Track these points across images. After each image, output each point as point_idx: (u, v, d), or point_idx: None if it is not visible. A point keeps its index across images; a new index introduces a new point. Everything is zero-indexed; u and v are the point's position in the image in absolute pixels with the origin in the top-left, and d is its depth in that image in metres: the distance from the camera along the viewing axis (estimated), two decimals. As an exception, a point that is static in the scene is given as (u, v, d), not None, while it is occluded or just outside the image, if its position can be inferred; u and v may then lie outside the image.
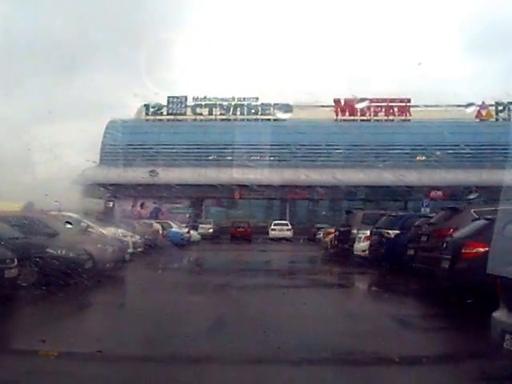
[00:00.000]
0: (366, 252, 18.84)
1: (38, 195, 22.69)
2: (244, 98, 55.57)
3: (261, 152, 49.80)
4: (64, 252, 11.68)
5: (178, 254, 24.43)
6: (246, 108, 55.53)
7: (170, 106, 55.55)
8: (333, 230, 26.21)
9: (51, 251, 11.56)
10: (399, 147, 50.43)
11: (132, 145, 49.76)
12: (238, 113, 55.43)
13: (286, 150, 50.69)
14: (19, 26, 63.79)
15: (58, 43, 68.98)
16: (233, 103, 55.60)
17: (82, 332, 7.64)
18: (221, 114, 55.34)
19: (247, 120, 54.35)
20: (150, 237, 23.56)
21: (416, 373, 5.76)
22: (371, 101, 49.95)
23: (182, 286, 13.04)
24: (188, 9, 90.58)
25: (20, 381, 5.20)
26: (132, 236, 20.17)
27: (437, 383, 5.48)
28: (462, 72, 70.62)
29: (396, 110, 54.18)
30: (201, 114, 55.27)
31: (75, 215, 18.49)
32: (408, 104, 53.45)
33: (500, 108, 52.85)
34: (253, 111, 55.22)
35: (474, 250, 9.11)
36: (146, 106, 55.36)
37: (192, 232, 34.22)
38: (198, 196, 49.07)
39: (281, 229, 42.83)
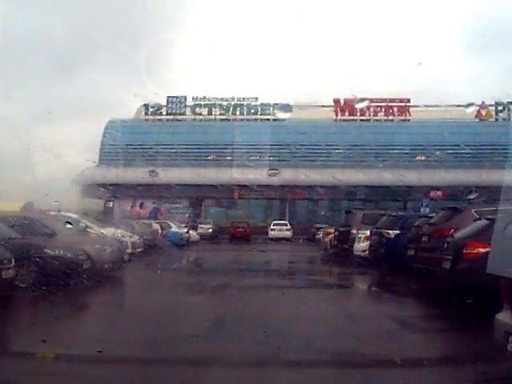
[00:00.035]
0: (366, 252, 18.78)
1: (37, 195, 22.70)
2: (243, 98, 55.50)
3: (260, 152, 49.74)
4: (62, 252, 11.59)
5: (177, 255, 24.35)
6: (245, 108, 55.45)
7: (170, 105, 55.46)
8: (332, 230, 26.12)
9: (49, 251, 11.46)
10: (399, 147, 50.39)
11: (131, 145, 49.72)
12: (238, 113, 55.35)
13: (286, 150, 50.62)
14: (19, 25, 63.78)
15: (58, 43, 69.02)
16: (232, 103, 55.54)
17: (80, 333, 7.56)
18: (220, 114, 55.27)
19: (247, 120, 54.28)
20: (149, 237, 23.46)
21: (418, 375, 5.66)
22: (371, 101, 49.89)
23: (180, 286, 12.95)
24: (187, 9, 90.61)
25: (19, 381, 5.14)
26: (131, 236, 20.08)
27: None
28: (462, 72, 70.70)
29: (396, 109, 54.11)
30: (200, 114, 55.19)
31: (74, 215, 18.46)
32: (408, 104, 53.40)
33: (500, 108, 52.79)
34: (252, 111, 55.15)
35: (476, 251, 9.02)
36: (146, 106, 55.30)
37: (191, 232, 34.14)
38: (197, 196, 48.99)
39: (280, 229, 42.74)
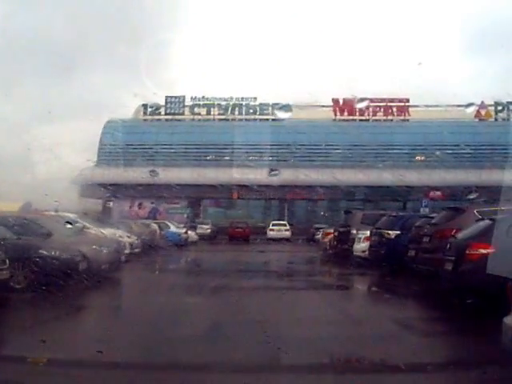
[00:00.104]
0: (366, 253, 18.60)
1: (36, 195, 22.57)
2: (242, 98, 55.40)
3: (259, 152, 49.60)
4: (57, 253, 11.40)
5: (175, 255, 24.22)
6: (244, 108, 55.34)
7: (168, 105, 55.32)
8: (332, 231, 25.94)
9: (44, 252, 11.29)
10: (398, 147, 50.30)
11: (130, 145, 49.49)
12: (237, 113, 55.22)
13: (285, 150, 50.48)
14: (18, 25, 63.57)
15: (57, 43, 68.86)
16: (231, 103, 55.42)
17: (74, 336, 7.38)
18: (219, 114, 55.14)
19: (246, 120, 54.16)
20: (147, 237, 23.35)
21: (423, 380, 5.50)
22: (370, 101, 49.77)
23: (178, 287, 12.80)
24: (186, 9, 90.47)
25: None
26: (129, 236, 19.93)
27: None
28: (462, 72, 70.40)
29: (395, 109, 54.00)
30: (199, 114, 55.05)
31: (71, 215, 18.27)
32: (407, 104, 53.32)
33: (499, 108, 52.72)
34: (251, 111, 55.04)
35: (479, 252, 8.85)
36: (144, 106, 55.20)
37: (190, 232, 33.99)
38: (196, 196, 48.85)
39: (279, 229, 42.62)
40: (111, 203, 44.92)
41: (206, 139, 51.40)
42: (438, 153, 45.38)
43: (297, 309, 9.87)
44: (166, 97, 54.52)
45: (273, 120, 51.66)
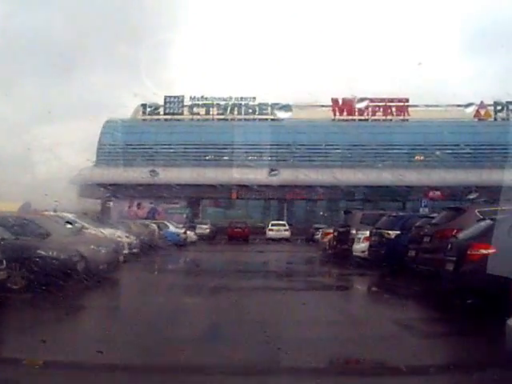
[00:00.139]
0: (366, 253, 18.50)
1: (35, 195, 22.51)
2: (242, 98, 55.27)
3: (258, 152, 49.53)
4: (55, 253, 11.31)
5: (174, 255, 24.15)
6: (243, 108, 55.25)
7: (167, 105, 55.24)
8: (331, 231, 25.86)
9: (42, 252, 11.19)
10: (398, 147, 50.24)
11: (129, 145, 49.41)
12: (236, 112, 55.14)
13: (284, 150, 50.42)
14: (18, 25, 63.55)
15: (55, 43, 68.75)
16: (230, 103, 55.31)
17: (72, 338, 7.29)
18: (218, 114, 55.05)
19: (245, 120, 54.08)
20: (145, 237, 23.28)
21: (425, 383, 5.41)
22: (369, 100, 49.74)
23: (177, 288, 12.69)
24: (185, 8, 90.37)
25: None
26: (127, 236, 19.84)
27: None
28: (461, 72, 70.40)
29: (394, 109, 53.93)
30: (198, 114, 54.96)
31: (70, 215, 18.22)
32: (406, 104, 53.25)
33: (499, 108, 52.67)
34: (250, 111, 54.96)
35: (480, 252, 8.77)
36: (143, 106, 55.10)
37: (189, 232, 33.90)
38: (195, 196, 48.78)
39: (278, 229, 42.57)
40: (110, 203, 44.85)
41: (205, 139, 51.32)
42: (437, 153, 45.32)
43: (296, 309, 9.78)
44: (165, 97, 54.44)
45: (272, 120, 51.66)
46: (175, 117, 55.10)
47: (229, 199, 50.04)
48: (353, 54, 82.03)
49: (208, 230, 40.95)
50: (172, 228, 31.69)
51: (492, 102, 51.88)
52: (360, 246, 19.10)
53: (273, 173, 47.10)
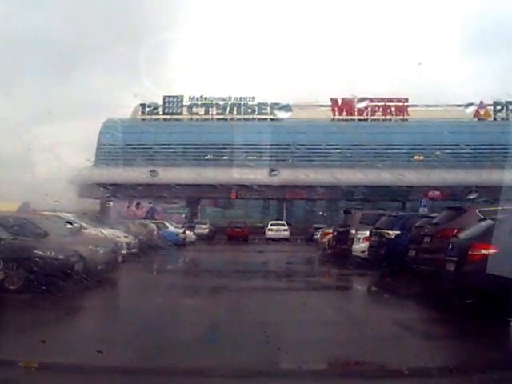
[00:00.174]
0: (366, 253, 18.44)
1: (34, 195, 22.43)
2: (241, 98, 55.19)
3: (258, 152, 49.49)
4: (53, 253, 11.20)
5: (172, 255, 24.06)
6: (242, 108, 55.17)
7: (167, 105, 55.16)
8: (331, 231, 25.81)
9: (40, 253, 11.09)
10: (397, 147, 50.20)
11: (128, 144, 49.30)
12: (235, 112, 55.06)
13: (283, 150, 50.36)
14: (18, 25, 63.48)
15: (56, 43, 68.69)
16: (229, 103, 55.23)
17: (69, 339, 7.19)
18: (217, 114, 54.97)
19: (244, 120, 54.02)
20: (144, 237, 23.18)
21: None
22: (368, 100, 49.72)
23: (176, 288, 12.62)
24: (185, 8, 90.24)
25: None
26: (126, 236, 19.75)
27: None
28: (461, 72, 70.35)
29: (393, 109, 53.88)
30: (197, 114, 54.88)
31: (68, 215, 18.13)
32: (405, 104, 53.22)
33: (498, 108, 52.66)
34: (249, 111, 54.88)
35: (482, 252, 8.69)
36: (142, 106, 55.02)
37: (188, 232, 33.82)
38: (194, 196, 48.71)
39: (278, 229, 42.53)
40: (109, 203, 44.73)
41: (204, 139, 51.29)
42: (437, 152, 45.27)
43: (296, 310, 9.70)
44: (164, 96, 54.38)
45: (271, 120, 51.61)
46: (174, 117, 55.04)
47: (228, 199, 50.01)
48: (352, 53, 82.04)
49: (207, 230, 40.88)
50: (171, 228, 31.59)
51: (492, 102, 51.87)
52: (360, 246, 19.04)
53: (273, 173, 47.05)
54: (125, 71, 74.16)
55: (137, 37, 74.50)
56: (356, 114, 53.88)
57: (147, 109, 55.26)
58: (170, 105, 55.18)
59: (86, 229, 17.29)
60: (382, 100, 52.67)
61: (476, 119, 51.06)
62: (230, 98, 55.15)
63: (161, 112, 55.45)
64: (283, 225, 43.63)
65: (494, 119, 52.20)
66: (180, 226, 34.90)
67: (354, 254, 19.40)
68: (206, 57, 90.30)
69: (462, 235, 10.15)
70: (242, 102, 55.19)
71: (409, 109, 52.96)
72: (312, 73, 75.76)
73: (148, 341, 6.96)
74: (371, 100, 50.42)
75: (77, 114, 61.31)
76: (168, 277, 15.91)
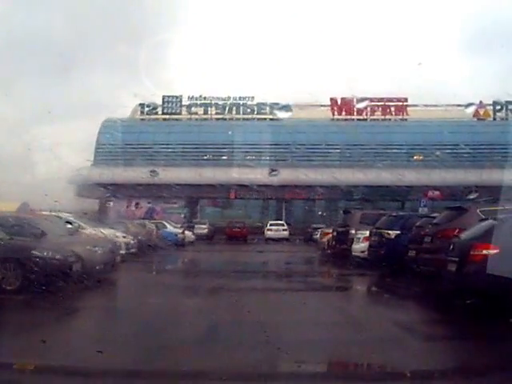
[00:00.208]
0: (365, 253, 18.37)
1: (33, 195, 22.35)
2: (240, 98, 55.05)
3: (257, 151, 49.40)
4: (50, 254, 11.07)
5: (171, 255, 23.98)
6: (241, 107, 55.04)
7: (166, 105, 55.01)
8: (330, 231, 25.76)
9: (37, 253, 10.97)
10: (397, 147, 50.12)
11: (127, 144, 49.17)
12: (234, 112, 54.94)
13: (283, 150, 50.27)
14: (18, 25, 63.38)
15: (55, 43, 68.58)
16: (228, 102, 55.10)
17: (66, 341, 7.07)
18: (216, 114, 54.84)
19: (243, 119, 53.91)
20: (143, 237, 23.11)
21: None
22: (368, 100, 49.67)
23: (174, 289, 12.54)
24: (184, 8, 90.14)
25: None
26: (124, 236, 19.67)
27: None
28: (461, 71, 70.34)
29: (393, 109, 53.78)
30: (196, 114, 54.76)
31: (67, 215, 18.05)
32: (405, 103, 53.12)
33: (498, 107, 52.58)
34: (249, 110, 54.76)
35: (484, 252, 8.59)
36: (141, 106, 54.86)
37: (187, 232, 33.73)
38: (193, 196, 48.59)
39: (277, 229, 42.46)
40: (109, 203, 44.64)
41: (203, 139, 51.19)
42: (436, 152, 45.19)
43: (295, 310, 9.60)
44: (163, 96, 54.22)
45: (270, 119, 51.52)
46: (173, 116, 54.89)
47: (227, 199, 49.91)
48: (352, 53, 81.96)
49: (206, 230, 40.81)
50: (170, 228, 31.52)
51: (491, 102, 51.78)
52: (359, 246, 18.97)
53: (273, 173, 46.96)
54: (124, 71, 74.20)
55: (136, 37, 74.36)
56: (355, 113, 53.76)
57: (146, 108, 55.13)
58: (169, 104, 55.04)
59: (84, 229, 17.21)
60: (381, 100, 52.58)
61: (475, 119, 50.98)
62: (229, 97, 55.01)
63: (160, 112, 55.30)
64: (282, 225, 43.56)
65: (494, 119, 52.12)
66: (179, 225, 34.83)
67: (353, 254, 19.34)
68: (205, 56, 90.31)
69: (464, 235, 10.05)
70: (242, 102, 55.06)
71: (408, 108, 52.86)
72: (311, 72, 75.74)
73: (146, 342, 6.86)
74: (371, 100, 50.37)
75: (76, 113, 61.35)
76: (167, 277, 15.81)
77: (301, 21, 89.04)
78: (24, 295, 10.01)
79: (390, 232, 16.59)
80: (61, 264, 11.06)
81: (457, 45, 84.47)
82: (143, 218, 37.36)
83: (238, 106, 55.05)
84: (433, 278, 11.39)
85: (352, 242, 19.75)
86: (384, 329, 8.03)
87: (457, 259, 9.42)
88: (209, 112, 54.89)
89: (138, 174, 44.12)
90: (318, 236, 30.28)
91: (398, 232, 16.27)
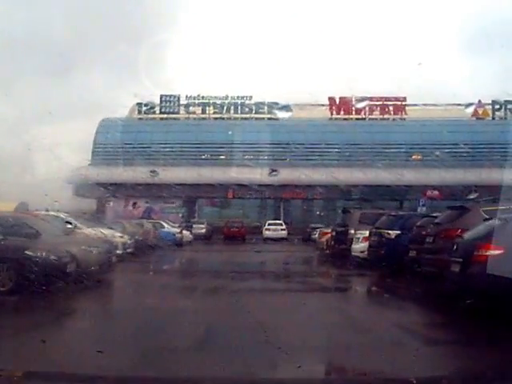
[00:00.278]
0: (365, 253, 18.19)
1: (31, 195, 22.23)
2: (238, 97, 54.85)
3: (255, 151, 49.25)
4: (44, 254, 10.87)
5: (169, 255, 23.81)
6: (239, 107, 54.85)
7: (163, 104, 54.79)
8: (329, 230, 25.63)
9: (30, 253, 10.76)
10: (396, 146, 50.01)
11: (125, 144, 48.95)
12: (232, 111, 54.74)
13: (281, 149, 50.10)
14: (17, 25, 63.19)
15: (54, 43, 68.42)
16: (226, 102, 54.91)
17: (59, 346, 6.83)
18: (214, 113, 54.67)
19: (241, 119, 53.74)
20: (140, 237, 22.92)
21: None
22: (366, 99, 49.58)
23: (171, 290, 12.34)
24: (182, 7, 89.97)
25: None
26: (121, 236, 19.45)
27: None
28: (460, 71, 70.30)
29: (391, 108, 53.64)
30: (194, 113, 54.56)
31: (62, 215, 17.89)
32: (403, 103, 52.98)
33: (497, 107, 52.50)
34: (247, 110, 54.59)
35: (488, 253, 8.37)
36: (139, 105, 54.65)
37: (185, 232, 33.56)
38: (191, 195, 48.37)
39: (275, 229, 42.32)
40: (106, 202, 44.52)
41: (201, 138, 51.08)
42: (435, 152, 45.10)
43: (294, 312, 9.39)
44: (161, 95, 54.04)
45: (269, 119, 51.37)
46: (171, 116, 54.69)
47: (225, 198, 49.75)
48: (351, 53, 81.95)
49: (204, 230, 40.64)
50: (168, 228, 31.40)
51: (490, 101, 51.69)
52: (359, 246, 18.79)
53: (273, 173, 46.81)
54: (122, 71, 74.07)
55: (135, 36, 74.35)
56: (354, 113, 53.62)
57: (144, 108, 54.92)
58: (167, 104, 54.85)
59: (80, 229, 17.01)
60: (380, 99, 52.46)
61: (474, 118, 50.90)
62: (227, 97, 54.83)
63: (157, 111, 55.10)
64: (281, 224, 43.45)
65: (493, 118, 52.05)
66: (177, 225, 34.68)
67: (353, 254, 19.18)
68: (203, 56, 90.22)
69: (467, 235, 9.83)
70: (240, 101, 54.89)
71: (407, 108, 52.77)
72: (310, 72, 75.60)
73: (140, 346, 6.67)
74: (369, 99, 50.27)
75: (74, 113, 61.13)
76: (164, 278, 15.61)
77: (300, 20, 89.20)
78: (17, 296, 9.83)
79: (390, 232, 16.43)
80: (55, 264, 10.87)
81: (456, 44, 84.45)
82: (141, 218, 37.21)
83: (236, 105, 54.88)
84: (434, 278, 11.18)
85: (351, 242, 19.58)
86: (387, 332, 7.82)
87: (460, 260, 9.20)
88: (207, 111, 54.73)
89: (135, 173, 43.93)
90: (317, 236, 30.13)
91: (399, 232, 16.10)
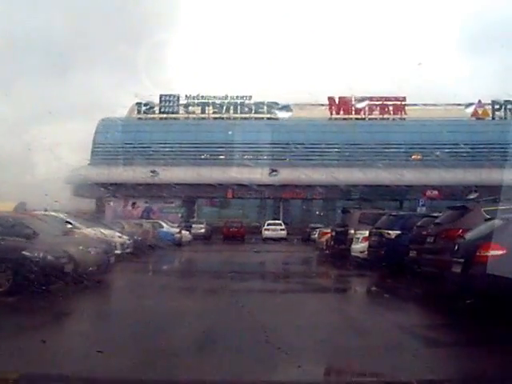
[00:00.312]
0: (365, 253, 18.08)
1: (30, 195, 22.16)
2: (237, 97, 54.75)
3: (255, 151, 49.18)
4: (42, 255, 10.75)
5: (168, 256, 23.73)
6: (239, 106, 54.76)
7: (163, 104, 54.70)
8: (328, 230, 25.56)
9: (27, 254, 10.65)
10: (395, 146, 49.95)
11: (124, 143, 48.92)
12: (232, 111, 54.66)
13: (281, 149, 50.03)
14: (18, 25, 63.14)
15: (54, 43, 68.37)
16: (226, 101, 54.82)
17: (55, 348, 6.71)
18: (214, 113, 54.58)
19: (241, 119, 53.66)
20: (139, 237, 22.83)
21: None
22: (366, 99, 49.52)
23: (170, 290, 12.27)
24: (182, 7, 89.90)
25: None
26: (120, 236, 19.36)
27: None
28: (459, 71, 70.25)
29: (391, 108, 53.56)
30: (193, 113, 54.48)
31: (60, 215, 17.79)
32: (403, 103, 52.90)
33: (497, 107, 52.44)
34: (246, 109, 54.49)
35: (490, 253, 8.27)
36: (138, 105, 54.55)
37: (184, 232, 33.48)
38: (190, 195, 48.29)
39: (274, 229, 42.28)
40: (106, 202, 44.48)
41: (200, 138, 51.00)
42: (434, 152, 45.07)
43: (293, 312, 9.30)
44: (161, 95, 53.95)
45: (268, 119, 51.31)
46: (170, 115, 54.59)
47: (225, 198, 49.69)
48: (351, 52, 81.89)
49: (203, 230, 40.60)
50: (167, 228, 31.33)
51: (490, 101, 51.64)
52: (359, 246, 18.70)
53: (273, 173, 46.74)
54: (122, 70, 73.96)
55: (134, 36, 74.28)
56: (354, 112, 53.54)
57: (143, 108, 54.83)
58: (167, 103, 54.77)
59: (79, 229, 16.91)
60: (379, 99, 52.39)
61: (474, 118, 50.86)
62: (226, 96, 54.74)
63: (157, 111, 55.01)
64: (280, 224, 43.38)
65: (493, 118, 51.99)
66: (176, 225, 34.59)
67: (353, 254, 19.10)
68: (202, 56, 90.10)
69: (469, 235, 9.71)
70: (239, 101, 54.80)
71: (407, 108, 52.68)
72: (310, 72, 75.51)
73: (140, 346, 6.59)
74: (369, 99, 50.21)
75: (74, 113, 61.09)
76: (163, 278, 15.55)
77: (299, 20, 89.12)
78: (14, 297, 9.74)
79: (390, 232, 16.33)
80: (52, 265, 10.75)
81: (456, 45, 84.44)
82: (140, 218, 37.18)
83: (235, 105, 54.79)
84: (435, 279, 11.07)
85: (351, 242, 19.49)
86: (385, 332, 7.73)
87: (462, 260, 9.09)
88: (206, 111, 54.65)
89: (134, 173, 43.88)
90: (316, 236, 30.05)
91: (399, 232, 16.00)
